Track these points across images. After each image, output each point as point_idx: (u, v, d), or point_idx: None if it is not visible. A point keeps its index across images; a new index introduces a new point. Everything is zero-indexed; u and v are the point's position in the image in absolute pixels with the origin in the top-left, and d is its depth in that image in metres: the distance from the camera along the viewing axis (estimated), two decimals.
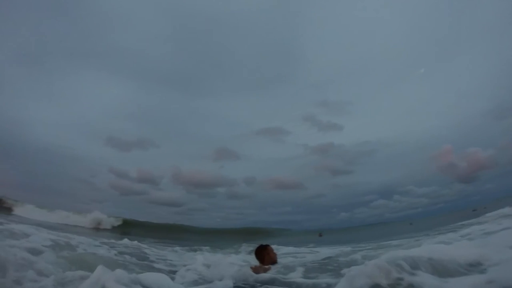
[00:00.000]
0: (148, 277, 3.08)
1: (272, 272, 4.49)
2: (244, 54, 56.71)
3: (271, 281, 3.66)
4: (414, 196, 40.89)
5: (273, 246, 6.26)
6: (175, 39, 52.83)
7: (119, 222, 26.72)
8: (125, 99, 50.35)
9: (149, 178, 41.47)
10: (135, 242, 8.56)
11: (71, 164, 38.60)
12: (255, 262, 5.79)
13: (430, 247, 3.12)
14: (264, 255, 5.78)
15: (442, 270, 2.67)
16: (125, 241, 8.68)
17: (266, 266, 5.25)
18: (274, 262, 5.73)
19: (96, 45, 52.56)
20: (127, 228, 24.99)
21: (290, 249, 9.60)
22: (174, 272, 4.73)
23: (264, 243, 6.21)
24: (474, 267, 2.69)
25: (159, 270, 5.08)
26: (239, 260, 6.86)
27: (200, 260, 5.40)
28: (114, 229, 24.73)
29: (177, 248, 10.61)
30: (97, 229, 23.91)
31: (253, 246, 9.39)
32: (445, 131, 46.53)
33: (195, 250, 10.21)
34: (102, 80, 48.80)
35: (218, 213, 40.16)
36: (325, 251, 8.20)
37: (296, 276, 4.13)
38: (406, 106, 58.50)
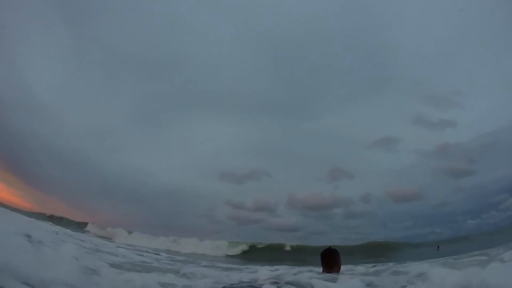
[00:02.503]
0: None
1: None
2: (338, 68, 57.65)
3: None
4: None
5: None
6: (270, 70, 57.18)
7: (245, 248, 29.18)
8: (233, 135, 55.76)
9: (265, 206, 44.07)
10: None
11: (191, 202, 44.66)
12: None
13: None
14: (336, 261, 4.84)
15: None
16: None
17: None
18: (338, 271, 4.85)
19: (205, 91, 60.70)
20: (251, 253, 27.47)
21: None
22: None
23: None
24: None
25: None
26: None
27: None
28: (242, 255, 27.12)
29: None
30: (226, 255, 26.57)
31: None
32: None
33: None
34: (211, 123, 55.53)
35: (336, 234, 40.38)
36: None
37: None
38: None
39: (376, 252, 27.13)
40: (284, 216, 43.49)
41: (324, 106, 61.78)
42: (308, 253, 28.28)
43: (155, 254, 11.59)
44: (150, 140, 58.45)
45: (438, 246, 26.15)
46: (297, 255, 26.87)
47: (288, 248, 30.21)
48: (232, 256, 25.34)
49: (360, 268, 8.31)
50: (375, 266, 10.79)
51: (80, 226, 32.39)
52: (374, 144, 54.23)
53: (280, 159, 58.32)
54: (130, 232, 31.64)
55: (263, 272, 9.04)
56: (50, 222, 21.37)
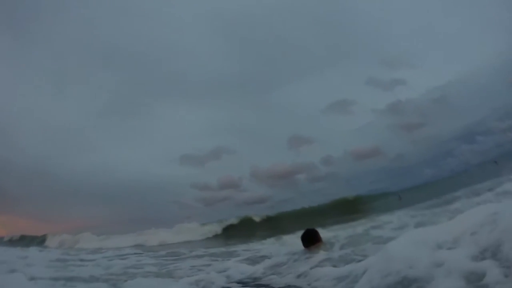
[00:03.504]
0: None
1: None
2: (296, 40, 57.47)
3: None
4: (498, 133, 37.82)
5: None
6: (227, 49, 55.65)
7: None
8: (193, 118, 54.46)
9: (230, 183, 44.23)
10: None
11: (159, 191, 43.39)
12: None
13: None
14: (317, 239, 5.47)
15: None
16: None
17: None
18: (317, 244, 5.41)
19: (163, 78, 57.86)
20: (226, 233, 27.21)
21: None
22: None
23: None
24: None
25: None
26: None
27: None
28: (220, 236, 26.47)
29: None
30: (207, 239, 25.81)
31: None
32: None
33: None
34: (172, 108, 53.55)
35: (303, 198, 41.62)
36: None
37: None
38: (466, 37, 53.78)
39: (343, 208, 28.13)
40: (250, 189, 44.02)
41: (280, 79, 61.87)
42: (279, 221, 28.87)
43: (136, 255, 10.70)
44: (112, 134, 55.39)
45: (399, 196, 27.57)
46: (268, 225, 27.26)
47: (258, 219, 30.47)
48: (207, 239, 25.03)
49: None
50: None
51: (42, 240, 29.56)
52: (330, 108, 55.70)
53: (239, 135, 58.17)
54: (99, 235, 29.34)
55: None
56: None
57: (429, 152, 43.59)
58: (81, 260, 9.48)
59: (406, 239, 3.27)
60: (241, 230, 26.33)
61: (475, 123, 41.44)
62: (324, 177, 44.32)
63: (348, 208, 27.35)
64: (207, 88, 57.90)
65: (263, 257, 6.52)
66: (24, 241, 30.00)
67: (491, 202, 6.24)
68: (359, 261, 3.64)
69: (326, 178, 44.22)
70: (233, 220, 30.00)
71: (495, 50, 46.27)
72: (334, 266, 3.90)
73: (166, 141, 55.40)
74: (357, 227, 9.32)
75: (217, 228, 28.18)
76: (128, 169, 49.03)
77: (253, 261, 6.36)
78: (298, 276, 3.93)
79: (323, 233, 9.15)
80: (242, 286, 4.09)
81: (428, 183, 31.93)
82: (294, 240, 10.04)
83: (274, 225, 26.31)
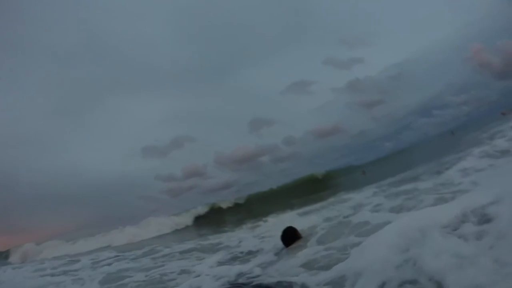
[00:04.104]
0: None
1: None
2: (253, 24, 56.09)
3: None
4: (454, 106, 40.03)
5: None
6: (183, 38, 53.03)
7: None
8: (151, 109, 52.20)
9: (194, 172, 43.60)
10: None
11: (123, 187, 41.44)
12: None
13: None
14: (297, 237, 5.56)
15: None
16: None
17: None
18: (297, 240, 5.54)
19: (119, 70, 54.22)
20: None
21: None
22: None
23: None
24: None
25: None
26: None
27: None
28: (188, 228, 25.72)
29: None
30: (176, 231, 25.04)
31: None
32: (471, 28, 43.89)
33: None
34: (129, 101, 50.87)
35: (269, 180, 42.19)
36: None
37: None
38: (422, 16, 55.55)
39: (310, 187, 28.68)
40: (215, 176, 43.87)
41: (238, 63, 60.99)
42: (247, 205, 29.34)
43: (113, 258, 9.95)
44: (70, 134, 51.87)
45: (363, 171, 28.56)
46: (238, 210, 27.24)
47: (227, 205, 30.30)
48: (178, 232, 24.38)
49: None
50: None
51: (6, 256, 26.84)
52: (289, 89, 56.17)
53: (200, 122, 57.21)
54: (68, 241, 27.24)
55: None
56: None
57: (389, 127, 45.59)
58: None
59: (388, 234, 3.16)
60: (211, 219, 26.05)
61: (432, 98, 44.10)
62: (287, 157, 45.16)
63: (314, 186, 27.89)
64: (163, 77, 56.08)
65: (244, 253, 6.49)
66: None
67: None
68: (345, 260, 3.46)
69: (289, 158, 45.08)
70: (202, 209, 29.56)
71: (452, 28, 48.73)
72: (322, 269, 3.68)
73: (126, 134, 53.21)
74: (330, 209, 9.29)
75: (187, 220, 27.55)
76: (89, 168, 46.67)
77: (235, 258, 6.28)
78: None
79: (297, 219, 9.15)
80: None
81: (389, 156, 33.38)
82: (268, 227, 9.99)
83: (245, 209, 26.36)
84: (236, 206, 29.59)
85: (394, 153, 34.64)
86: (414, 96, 49.54)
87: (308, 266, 3.97)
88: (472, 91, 40.14)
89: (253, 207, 25.83)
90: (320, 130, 47.38)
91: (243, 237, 9.10)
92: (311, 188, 25.62)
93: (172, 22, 54.48)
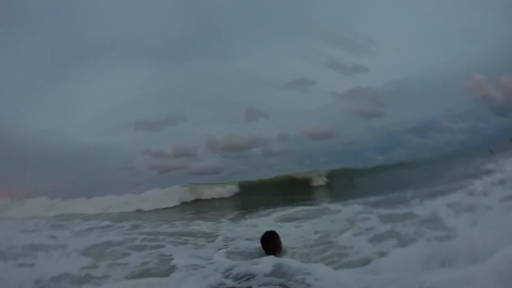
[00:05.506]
0: None
1: None
2: (254, 12, 54.52)
3: None
4: (450, 132, 39.86)
5: None
6: (182, 12, 51.45)
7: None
8: (146, 82, 50.90)
9: (184, 152, 42.81)
10: None
11: (109, 156, 40.45)
12: None
13: None
14: (278, 243, 4.96)
15: None
16: None
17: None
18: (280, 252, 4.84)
19: (111, 37, 52.35)
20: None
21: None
22: None
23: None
24: None
25: None
26: None
27: None
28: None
29: None
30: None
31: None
32: (477, 58, 43.62)
33: None
34: (122, 71, 49.33)
35: (256, 172, 41.65)
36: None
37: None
38: (431, 37, 55.09)
39: (292, 186, 28.44)
40: (204, 159, 43.21)
41: (238, 49, 59.38)
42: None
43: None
44: (56, 98, 49.93)
45: (351, 178, 28.36)
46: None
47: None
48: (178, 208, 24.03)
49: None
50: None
51: None
52: (289, 85, 55.31)
53: (196, 103, 56.07)
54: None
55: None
56: None
57: (382, 141, 45.39)
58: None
59: None
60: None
61: (430, 120, 43.52)
62: (278, 152, 44.70)
63: (298, 187, 27.61)
64: (161, 51, 54.26)
65: None
66: None
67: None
68: None
69: (280, 153, 44.64)
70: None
71: (459, 53, 48.38)
72: None
73: (115, 105, 52.07)
74: (315, 223, 8.60)
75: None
76: (74, 135, 45.34)
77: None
78: None
79: (274, 226, 8.64)
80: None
81: (378, 168, 33.28)
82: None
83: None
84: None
85: (383, 167, 34.52)
86: (413, 115, 49.26)
87: None
88: (469, 121, 39.94)
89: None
90: (315, 131, 47.06)
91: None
92: (294, 188, 25.36)
93: None
